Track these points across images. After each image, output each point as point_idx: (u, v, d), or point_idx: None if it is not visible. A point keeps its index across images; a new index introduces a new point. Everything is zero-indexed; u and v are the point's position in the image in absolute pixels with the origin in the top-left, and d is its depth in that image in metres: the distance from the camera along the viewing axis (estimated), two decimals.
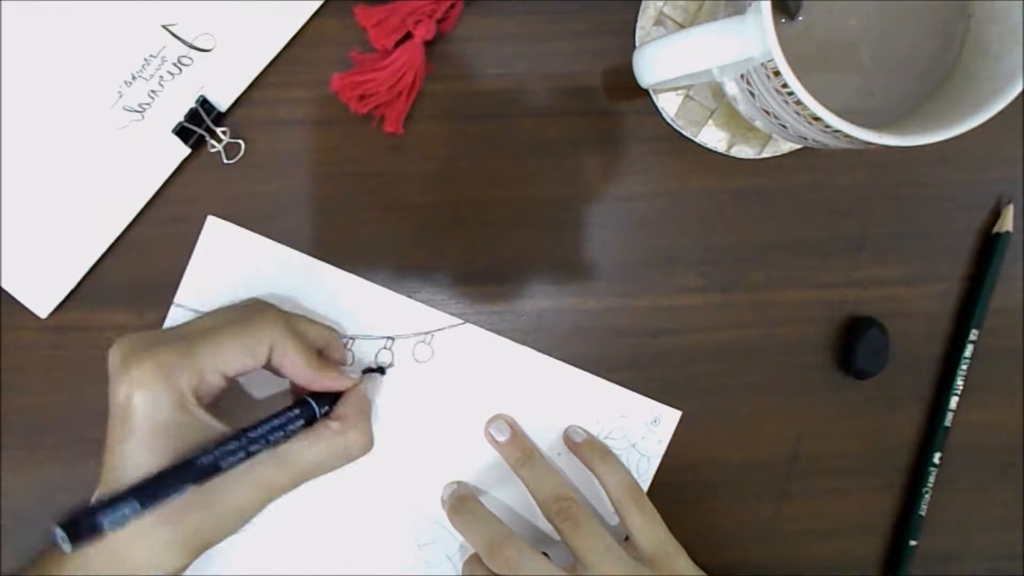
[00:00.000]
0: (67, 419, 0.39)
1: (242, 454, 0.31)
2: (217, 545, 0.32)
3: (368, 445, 0.35)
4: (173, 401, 0.30)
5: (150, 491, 0.28)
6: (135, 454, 0.30)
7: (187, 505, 0.30)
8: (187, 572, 0.39)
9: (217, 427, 0.32)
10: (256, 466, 0.32)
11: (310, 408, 0.34)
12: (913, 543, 0.42)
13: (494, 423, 0.40)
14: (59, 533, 0.26)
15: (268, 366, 0.34)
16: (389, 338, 0.39)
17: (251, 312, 0.34)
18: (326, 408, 0.35)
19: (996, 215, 0.41)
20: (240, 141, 0.38)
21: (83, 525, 0.26)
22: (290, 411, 0.34)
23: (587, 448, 0.39)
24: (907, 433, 0.42)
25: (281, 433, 0.33)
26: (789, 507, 0.42)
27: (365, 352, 0.39)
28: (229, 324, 0.33)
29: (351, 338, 0.39)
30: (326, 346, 0.37)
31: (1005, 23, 0.31)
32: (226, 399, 0.34)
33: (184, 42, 0.37)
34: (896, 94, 0.34)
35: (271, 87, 0.38)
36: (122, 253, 0.38)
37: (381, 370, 0.39)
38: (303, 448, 0.33)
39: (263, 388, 0.39)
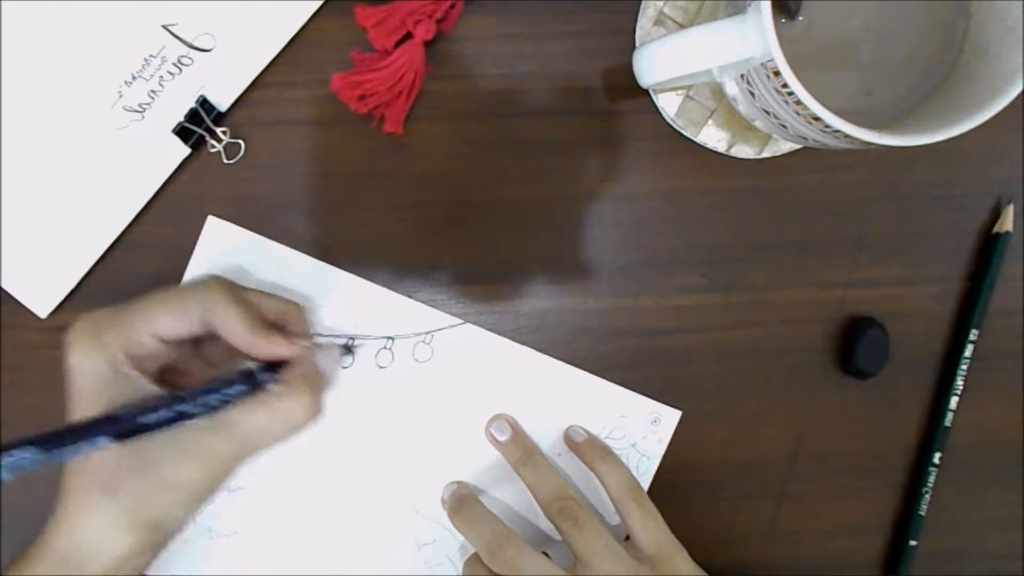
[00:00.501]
0: (67, 419, 0.39)
1: (169, 414, 0.30)
2: (180, 535, 0.33)
3: (313, 412, 0.33)
4: (103, 359, 0.31)
5: (54, 440, 0.28)
6: (76, 415, 0.30)
7: (121, 471, 0.30)
8: (187, 572, 0.39)
9: (153, 390, 0.31)
10: (193, 433, 0.31)
11: (253, 377, 0.33)
12: (913, 543, 0.42)
13: (495, 423, 0.40)
14: None
15: (217, 336, 0.33)
16: (389, 338, 0.39)
17: (197, 280, 0.34)
18: (275, 377, 0.33)
19: (996, 215, 0.41)
20: (240, 141, 0.38)
21: None
22: (232, 378, 0.32)
23: (588, 448, 0.39)
24: (907, 433, 0.42)
25: (216, 396, 0.32)
26: (789, 507, 0.42)
27: (365, 352, 0.39)
28: (168, 289, 0.33)
29: (351, 338, 0.39)
30: (286, 320, 0.36)
31: (1005, 23, 0.31)
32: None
33: (184, 42, 0.37)
34: (896, 94, 0.34)
35: (271, 87, 0.38)
36: (122, 253, 0.38)
37: (348, 347, 0.38)
38: (243, 414, 0.32)
39: None
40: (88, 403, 0.30)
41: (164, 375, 0.33)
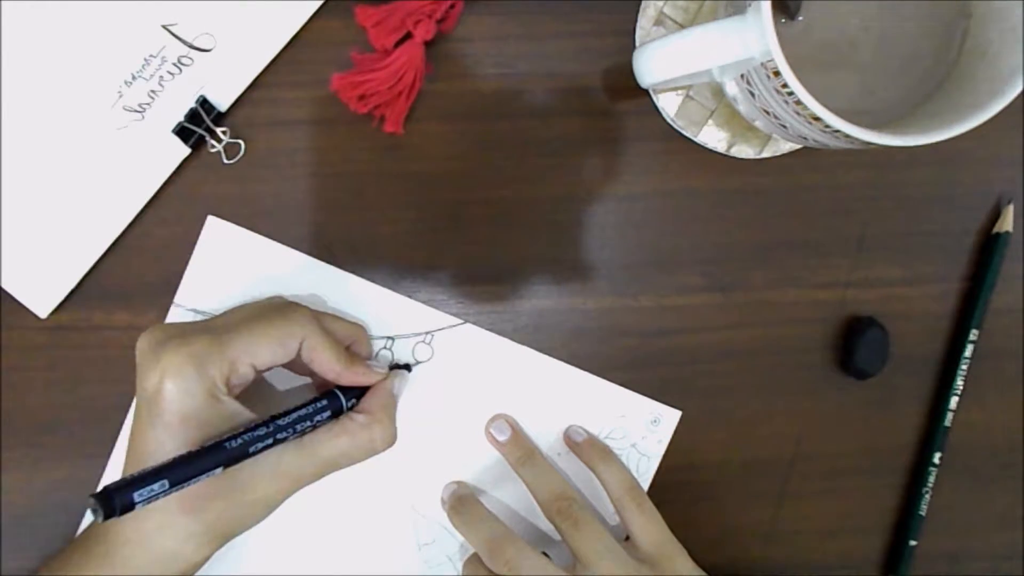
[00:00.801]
0: (67, 419, 0.39)
1: (270, 441, 0.31)
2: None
3: (392, 440, 0.36)
4: (204, 390, 0.31)
5: (180, 471, 0.29)
6: (164, 441, 0.30)
7: (210, 493, 0.31)
8: None
9: (247, 415, 0.32)
10: (281, 455, 0.32)
11: (338, 400, 0.35)
12: (913, 543, 0.42)
13: (495, 423, 0.40)
14: (92, 503, 0.26)
15: (295, 362, 0.34)
16: (389, 338, 0.39)
17: (282, 308, 0.35)
18: (352, 401, 0.36)
19: (996, 215, 0.41)
20: (240, 141, 0.38)
21: (116, 498, 0.27)
22: (318, 402, 0.34)
23: (587, 448, 0.39)
24: (907, 433, 0.42)
25: (308, 423, 0.33)
26: (789, 507, 0.42)
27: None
28: (261, 318, 0.33)
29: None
30: (354, 342, 0.37)
31: (1004, 23, 0.31)
32: (252, 392, 0.34)
33: (184, 42, 0.37)
34: (896, 94, 0.34)
35: (271, 87, 0.38)
36: (122, 253, 0.38)
37: (407, 367, 0.39)
38: (328, 439, 0.34)
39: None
40: (184, 429, 0.30)
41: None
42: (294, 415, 0.33)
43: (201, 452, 0.30)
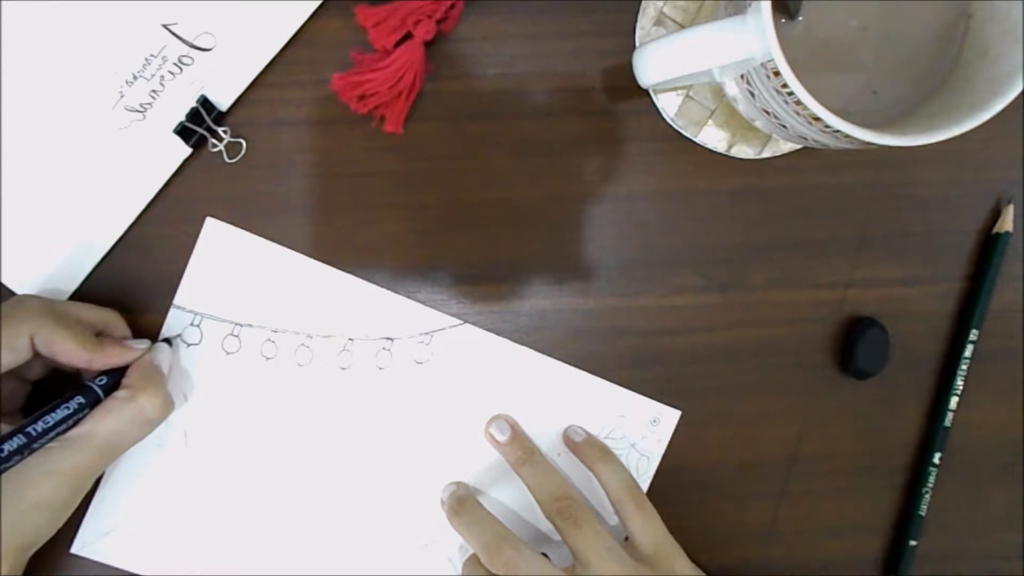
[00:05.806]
0: None
1: (10, 446, 0.30)
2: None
3: (164, 406, 0.34)
4: None
5: None
6: None
7: None
8: (183, 572, 0.39)
9: None
10: (48, 455, 0.31)
11: (92, 390, 0.33)
12: (913, 543, 0.42)
13: (494, 423, 0.40)
14: None
15: (49, 360, 0.33)
16: (389, 339, 0.39)
17: (7, 307, 0.33)
18: (104, 381, 0.34)
19: (996, 215, 0.41)
20: (241, 140, 0.38)
21: None
22: (71, 398, 0.33)
23: (587, 448, 0.39)
24: (907, 433, 0.42)
25: (61, 415, 0.32)
26: (789, 507, 0.42)
27: (365, 353, 0.39)
28: None
29: (350, 339, 0.39)
30: (106, 326, 0.36)
31: (1005, 23, 0.31)
32: None
33: (185, 42, 0.37)
34: (896, 94, 0.34)
35: (271, 87, 0.38)
36: (122, 253, 0.38)
37: (168, 341, 0.38)
38: (94, 424, 0.32)
39: None
40: None
41: None
42: (39, 416, 0.31)
43: None
